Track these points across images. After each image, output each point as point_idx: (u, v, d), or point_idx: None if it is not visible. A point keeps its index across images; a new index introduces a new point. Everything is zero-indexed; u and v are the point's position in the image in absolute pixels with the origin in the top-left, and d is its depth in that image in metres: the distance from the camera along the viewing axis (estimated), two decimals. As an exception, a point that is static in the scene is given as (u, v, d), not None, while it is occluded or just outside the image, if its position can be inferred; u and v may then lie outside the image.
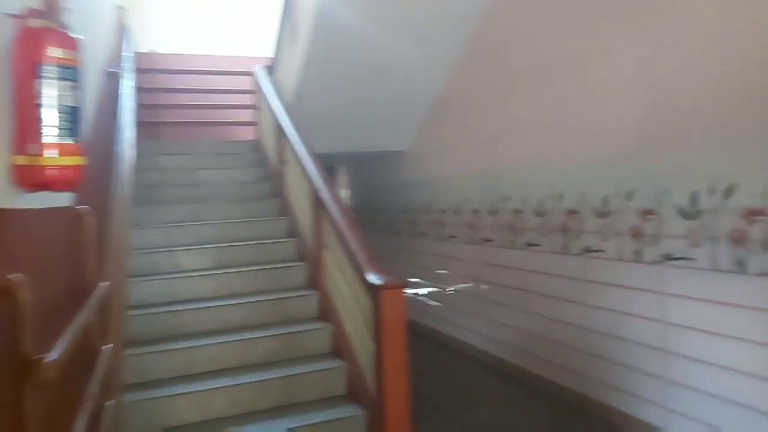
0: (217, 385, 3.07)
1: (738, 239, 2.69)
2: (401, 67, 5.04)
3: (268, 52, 6.61)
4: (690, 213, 2.95)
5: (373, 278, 2.91)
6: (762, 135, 2.58)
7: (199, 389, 3.02)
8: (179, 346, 3.27)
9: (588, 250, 3.70)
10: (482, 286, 4.93)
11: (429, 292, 5.91)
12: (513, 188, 4.47)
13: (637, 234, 3.30)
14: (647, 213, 3.22)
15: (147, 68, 6.74)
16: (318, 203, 3.80)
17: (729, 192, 2.73)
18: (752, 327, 2.64)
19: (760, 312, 2.61)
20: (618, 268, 3.45)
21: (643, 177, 3.24)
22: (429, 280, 5.90)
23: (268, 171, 5.36)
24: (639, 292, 3.30)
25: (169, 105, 6.83)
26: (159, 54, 7.42)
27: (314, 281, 3.92)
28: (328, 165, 7.56)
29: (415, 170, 6.15)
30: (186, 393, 2.99)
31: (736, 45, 2.71)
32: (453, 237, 5.39)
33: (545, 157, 4.09)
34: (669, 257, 3.08)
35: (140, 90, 5.55)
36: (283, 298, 3.76)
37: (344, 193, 8.30)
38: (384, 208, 7.00)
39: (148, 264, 3.86)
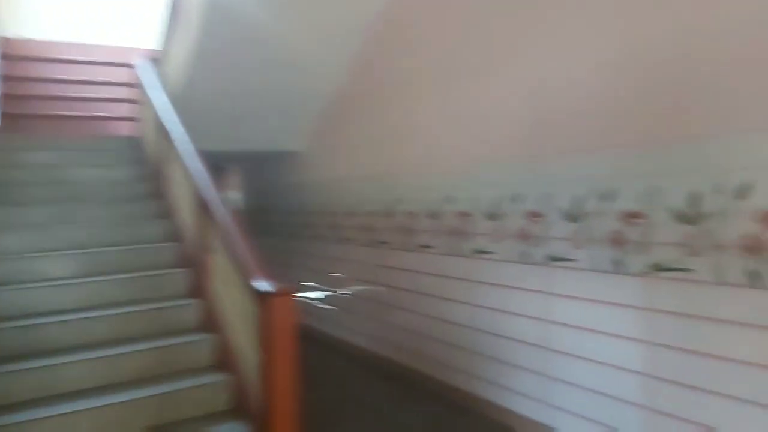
0: (81, 407, 2.74)
1: (617, 241, 2.81)
2: (298, 65, 4.86)
3: (155, 42, 6.16)
4: (574, 216, 3.05)
5: (260, 285, 2.72)
6: (638, 142, 2.71)
7: (61, 412, 2.68)
8: (39, 365, 2.90)
9: (479, 251, 3.74)
10: (376, 289, 4.87)
11: (322, 296, 5.77)
12: (408, 190, 4.45)
13: (524, 236, 3.37)
14: (535, 216, 3.30)
15: (16, 55, 6.04)
16: (203, 205, 3.54)
17: (609, 196, 2.85)
18: (631, 325, 2.76)
19: (637, 310, 2.73)
20: (507, 269, 3.51)
21: (532, 181, 3.32)
22: (323, 283, 5.76)
23: (148, 170, 4.96)
24: (527, 293, 3.37)
25: (40, 96, 6.15)
26: (30, 41, 6.67)
27: (198, 289, 3.64)
28: (219, 164, 7.20)
29: (311, 171, 5.99)
30: (47, 417, 2.64)
31: (614, 55, 2.83)
32: (348, 239, 5.29)
33: (440, 159, 4.10)
34: (554, 258, 3.17)
35: (6, 79, 4.93)
36: (161, 307, 3.45)
37: (236, 195, 7.95)
38: (279, 211, 6.77)
39: (1, 272, 3.39)
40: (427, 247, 4.22)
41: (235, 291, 3.08)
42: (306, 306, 5.95)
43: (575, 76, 3.04)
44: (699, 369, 2.47)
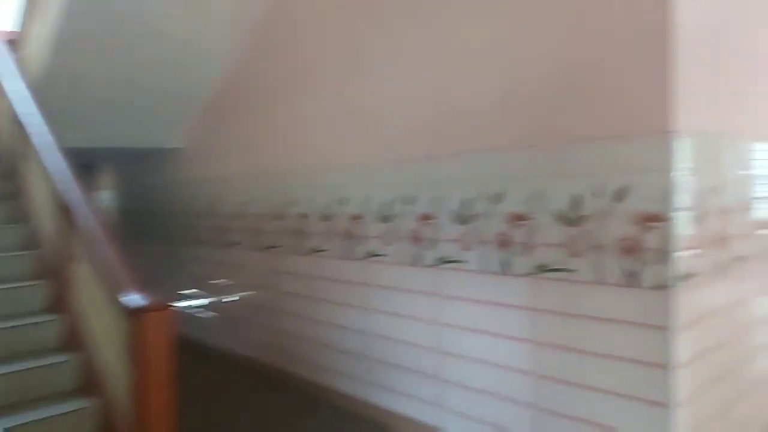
0: None
1: (504, 242, 2.86)
2: (177, 53, 4.50)
3: (12, 23, 5.44)
4: (464, 218, 3.06)
5: (131, 299, 2.44)
6: (525, 144, 2.77)
7: None
8: None
9: (371, 254, 3.67)
10: (266, 295, 4.65)
11: (206, 304, 5.43)
12: (299, 191, 4.28)
13: (416, 238, 3.34)
14: (427, 217, 3.28)
15: None
16: (64, 207, 3.14)
17: (498, 198, 2.89)
18: (518, 325, 2.81)
19: (523, 310, 2.79)
20: (399, 272, 3.47)
21: (424, 182, 3.30)
22: (208, 291, 5.42)
23: (1, 168, 4.36)
24: (418, 295, 3.35)
25: None
26: None
27: (59, 303, 3.23)
28: (88, 162, 6.56)
29: (194, 170, 5.61)
30: None
31: (502, 59, 2.87)
32: (236, 243, 5.01)
33: (333, 159, 3.98)
34: (444, 260, 3.17)
35: None
36: (15, 326, 3.01)
37: (107, 196, 7.29)
38: (158, 213, 6.27)
39: None
40: (320, 250, 4.09)
41: (103, 305, 2.75)
42: (187, 316, 5.57)
43: (465, 78, 3.05)
44: (581, 366, 2.56)
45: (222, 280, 5.21)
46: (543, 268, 2.69)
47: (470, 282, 3.05)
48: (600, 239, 2.47)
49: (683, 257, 2.30)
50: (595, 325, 2.51)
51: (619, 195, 2.40)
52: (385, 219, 3.56)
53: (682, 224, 2.29)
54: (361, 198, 3.74)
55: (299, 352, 4.32)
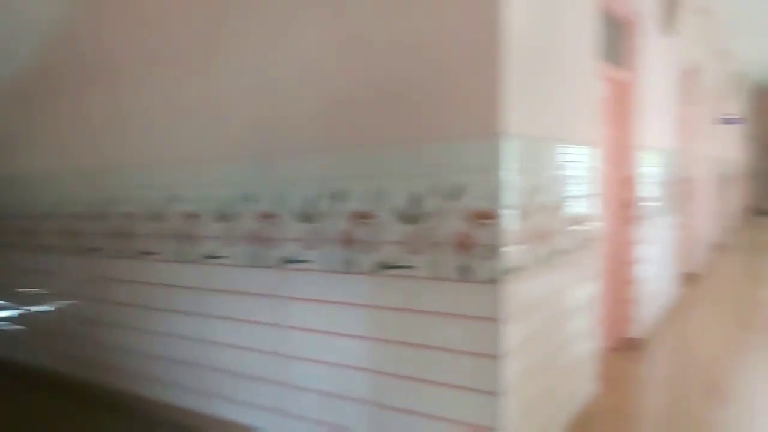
0: None
1: (347, 241, 2.83)
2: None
3: None
4: (307, 216, 2.99)
5: None
6: (367, 143, 2.76)
7: None
8: None
9: (209, 256, 3.44)
10: (86, 305, 4.15)
11: (12, 316, 4.72)
12: (124, 188, 3.87)
13: (258, 238, 3.19)
14: (268, 216, 3.15)
15: None
16: None
17: (341, 196, 2.85)
18: (362, 323, 2.81)
19: (365, 308, 2.79)
20: (239, 274, 3.29)
21: (266, 179, 3.16)
22: (15, 300, 4.71)
23: None
24: (260, 298, 3.20)
25: None
26: None
27: None
28: None
29: (-5, 164, 4.84)
30: None
31: (342, 55, 2.84)
32: (48, 247, 4.41)
33: (163, 153, 3.66)
34: (288, 260, 3.07)
35: None
36: None
37: None
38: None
39: None
40: (149, 253, 3.74)
41: None
42: (-9, 330, 4.80)
43: (307, 76, 2.97)
44: (420, 361, 2.62)
45: (33, 289, 4.56)
46: (385, 266, 2.71)
47: (314, 282, 2.98)
48: (437, 236, 2.54)
49: (510, 252, 2.45)
50: (433, 320, 2.58)
51: (454, 194, 2.49)
52: (224, 218, 3.35)
53: (510, 221, 2.44)
54: (197, 195, 3.49)
55: (126, 367, 3.91)
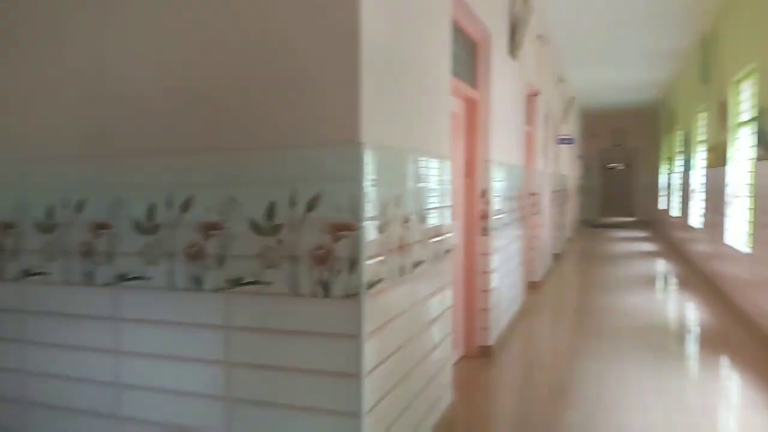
0: None
1: (194, 255, 2.57)
2: None
3: None
4: (147, 227, 2.67)
5: None
6: (216, 149, 2.53)
7: None
8: None
9: (29, 273, 2.95)
10: None
11: None
12: None
13: (88, 252, 2.80)
14: (101, 227, 2.77)
15: None
16: None
17: (187, 205, 2.58)
18: (209, 346, 2.55)
19: (215, 329, 2.54)
20: (66, 293, 2.86)
21: (97, 184, 2.78)
22: None
23: None
24: (91, 321, 2.80)
25: None
26: None
27: None
28: None
29: None
30: None
31: (187, 56, 2.59)
32: None
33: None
34: (124, 277, 2.72)
35: None
36: None
37: None
38: None
39: None
40: (-52, 270, 3.12)
41: None
42: None
43: (145, 70, 2.67)
44: (277, 385, 2.44)
45: None
46: (237, 282, 2.49)
47: (156, 301, 2.66)
48: (294, 249, 2.39)
49: (370, 265, 2.37)
50: (291, 339, 2.42)
51: (312, 204, 2.36)
52: (47, 229, 2.90)
53: (369, 233, 2.37)
54: (13, 202, 2.99)
55: None
